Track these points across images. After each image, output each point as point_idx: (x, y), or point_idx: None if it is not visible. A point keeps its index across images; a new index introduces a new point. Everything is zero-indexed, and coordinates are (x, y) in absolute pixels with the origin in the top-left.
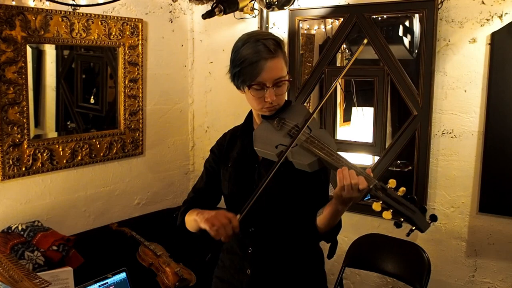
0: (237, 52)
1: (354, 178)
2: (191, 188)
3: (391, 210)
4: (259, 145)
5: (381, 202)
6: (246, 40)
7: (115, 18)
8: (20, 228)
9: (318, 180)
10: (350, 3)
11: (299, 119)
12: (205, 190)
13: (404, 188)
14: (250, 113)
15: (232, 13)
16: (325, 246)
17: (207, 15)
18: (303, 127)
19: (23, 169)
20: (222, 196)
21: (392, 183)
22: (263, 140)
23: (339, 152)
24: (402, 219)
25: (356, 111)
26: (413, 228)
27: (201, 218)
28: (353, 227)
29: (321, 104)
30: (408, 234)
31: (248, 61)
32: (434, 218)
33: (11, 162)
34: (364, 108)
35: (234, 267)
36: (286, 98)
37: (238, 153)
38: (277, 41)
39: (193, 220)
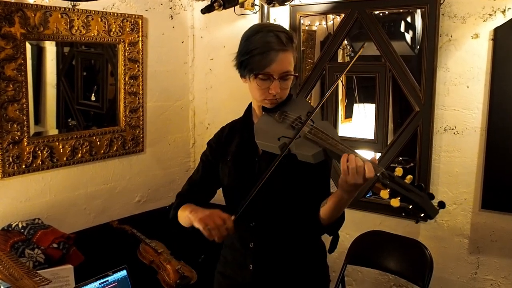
0: (248, 40)
1: (359, 161)
2: (186, 180)
3: (399, 198)
4: (261, 137)
5: (388, 190)
6: (258, 30)
7: (115, 14)
8: (20, 226)
9: (320, 173)
10: None
11: (301, 112)
12: (200, 183)
13: (411, 176)
14: (249, 106)
15: (233, 9)
16: (326, 240)
17: (206, 9)
18: (307, 118)
19: (23, 166)
20: (217, 190)
21: (398, 171)
22: (265, 133)
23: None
24: (410, 206)
25: (357, 107)
26: (422, 214)
27: (195, 217)
28: (355, 224)
29: (324, 99)
30: (417, 221)
31: (258, 50)
32: (442, 205)
33: (11, 159)
34: (365, 104)
35: (236, 262)
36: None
37: (237, 146)
38: (289, 35)
39: (186, 217)
